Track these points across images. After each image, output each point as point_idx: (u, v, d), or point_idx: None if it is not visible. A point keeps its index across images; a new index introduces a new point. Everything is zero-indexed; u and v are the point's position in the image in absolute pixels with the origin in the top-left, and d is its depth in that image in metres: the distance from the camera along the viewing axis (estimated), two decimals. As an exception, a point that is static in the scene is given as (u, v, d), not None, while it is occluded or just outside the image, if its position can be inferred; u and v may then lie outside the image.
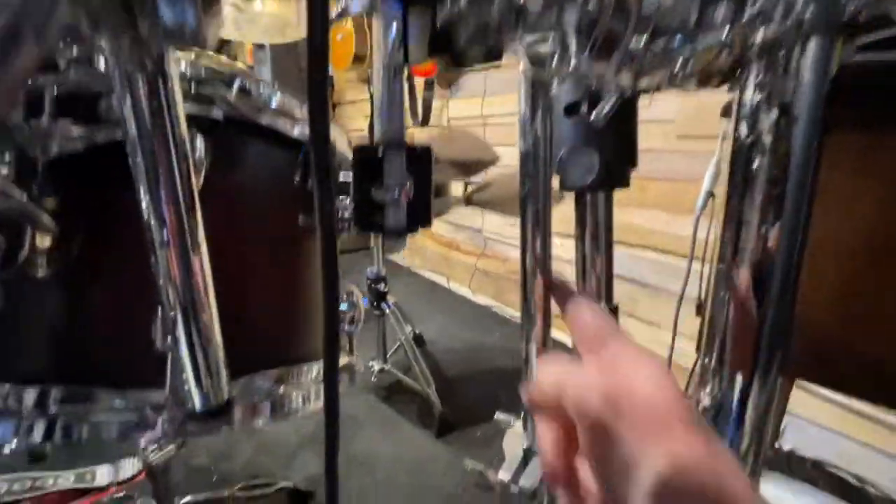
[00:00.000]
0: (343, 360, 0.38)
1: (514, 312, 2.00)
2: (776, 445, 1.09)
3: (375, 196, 0.25)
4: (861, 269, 0.44)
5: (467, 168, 0.79)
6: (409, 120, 2.56)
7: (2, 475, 0.95)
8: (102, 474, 1.02)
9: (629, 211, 1.51)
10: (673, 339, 0.87)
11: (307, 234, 0.33)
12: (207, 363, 0.22)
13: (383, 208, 0.25)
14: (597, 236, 0.36)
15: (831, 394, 1.10)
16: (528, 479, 0.28)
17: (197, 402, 0.22)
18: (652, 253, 1.45)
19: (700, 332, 0.32)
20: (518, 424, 0.33)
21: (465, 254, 2.34)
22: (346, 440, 1.16)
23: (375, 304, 1.32)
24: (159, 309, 0.23)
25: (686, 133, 1.31)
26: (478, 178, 1.04)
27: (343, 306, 0.47)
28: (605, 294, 0.36)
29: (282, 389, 0.27)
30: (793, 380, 0.83)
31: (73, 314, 0.24)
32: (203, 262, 0.24)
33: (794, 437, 1.18)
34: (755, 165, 0.25)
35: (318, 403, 0.30)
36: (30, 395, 0.21)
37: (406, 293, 2.15)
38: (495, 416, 0.33)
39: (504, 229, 2.06)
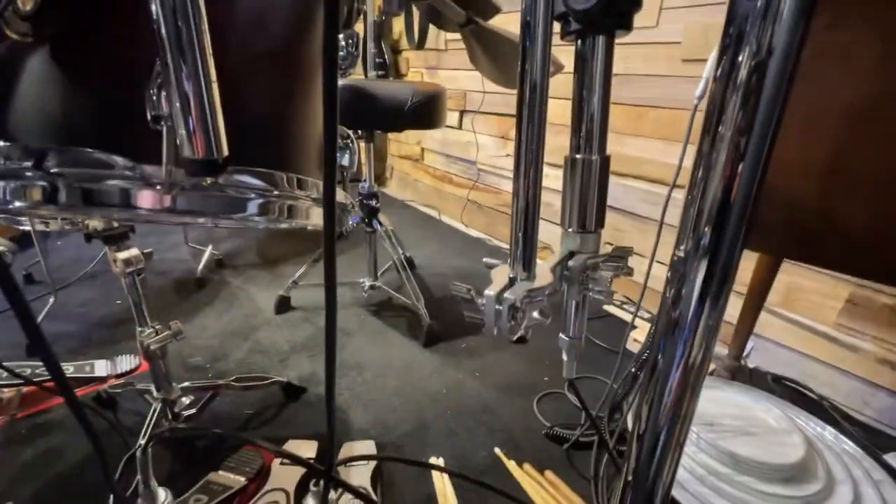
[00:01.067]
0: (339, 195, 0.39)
1: (503, 244, 2.03)
2: (741, 362, 1.17)
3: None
4: (843, 146, 0.46)
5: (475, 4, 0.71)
6: (405, 43, 2.44)
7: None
8: (101, 367, 1.06)
9: (623, 140, 1.49)
10: (650, 264, 0.89)
11: (309, 51, 0.32)
12: (203, 116, 0.22)
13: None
14: (593, 86, 0.36)
15: (796, 316, 1.16)
16: (513, 294, 0.30)
17: (193, 148, 0.22)
18: (643, 183, 1.45)
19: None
20: (505, 265, 0.35)
21: (458, 186, 2.32)
22: (336, 348, 1.21)
23: (367, 221, 1.33)
24: (155, 70, 0.23)
25: (692, 56, 1.27)
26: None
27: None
28: (598, 144, 0.37)
29: (275, 193, 0.28)
30: (779, 260, 0.86)
31: (68, 77, 0.23)
32: (202, 24, 0.22)
33: (760, 358, 1.26)
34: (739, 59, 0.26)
35: (309, 221, 0.30)
36: (28, 157, 0.21)
37: (399, 224, 2.16)
38: (483, 260, 0.35)
39: (497, 161, 2.04)
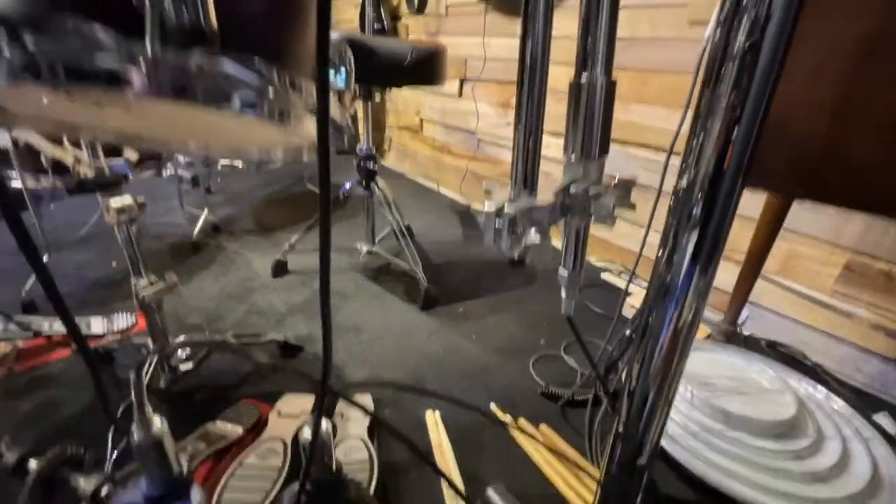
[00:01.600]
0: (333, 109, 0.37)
1: (502, 215, 2.01)
2: (737, 329, 1.17)
3: None
4: (850, 84, 0.45)
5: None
6: (404, 8, 2.37)
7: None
8: (97, 323, 1.06)
9: (627, 107, 1.47)
10: (647, 232, 0.88)
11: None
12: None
13: None
14: (601, 6, 0.34)
15: (793, 283, 1.17)
16: (512, 208, 0.29)
17: (179, 12, 0.21)
18: (646, 151, 1.43)
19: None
20: (505, 187, 0.34)
21: (457, 157, 2.29)
22: (334, 311, 1.21)
23: (364, 184, 1.31)
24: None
25: (699, 18, 1.24)
26: None
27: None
28: (603, 66, 0.35)
29: (267, 85, 0.26)
30: (789, 199, 0.85)
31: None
32: None
33: (755, 325, 1.27)
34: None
35: (299, 130, 0.29)
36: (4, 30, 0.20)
37: (397, 195, 2.13)
38: (483, 187, 0.34)
39: (497, 130, 2.00)
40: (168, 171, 1.74)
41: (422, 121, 2.53)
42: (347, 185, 1.33)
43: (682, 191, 0.31)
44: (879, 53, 0.41)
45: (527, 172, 0.34)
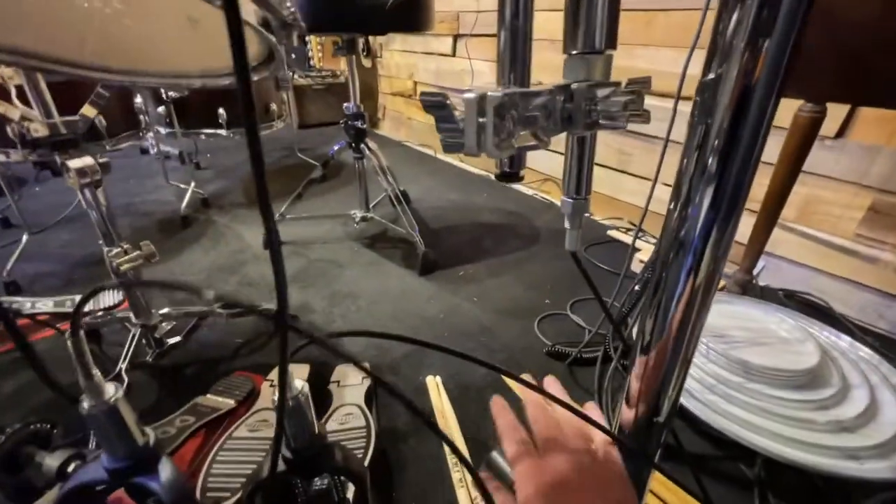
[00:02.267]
0: None
1: (502, 178, 1.93)
2: (752, 280, 1.12)
3: None
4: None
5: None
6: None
7: (-23, 298, 0.94)
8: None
9: (631, 51, 1.37)
10: (653, 185, 0.81)
11: None
12: None
13: None
14: None
15: (812, 230, 1.10)
16: (499, 94, 0.23)
17: None
18: (651, 98, 1.34)
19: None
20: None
21: (454, 121, 2.20)
22: (329, 280, 1.16)
23: (353, 145, 1.23)
24: None
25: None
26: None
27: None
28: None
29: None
30: (822, 108, 0.78)
31: None
32: None
33: (771, 276, 1.21)
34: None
35: None
36: None
37: (393, 162, 2.05)
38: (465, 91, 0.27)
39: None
40: (153, 148, 1.68)
41: (416, 84, 2.43)
42: (336, 148, 1.26)
43: (697, 138, 0.25)
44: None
45: (516, 61, 0.27)
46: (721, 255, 0.30)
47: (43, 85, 0.63)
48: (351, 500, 0.46)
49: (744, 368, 0.76)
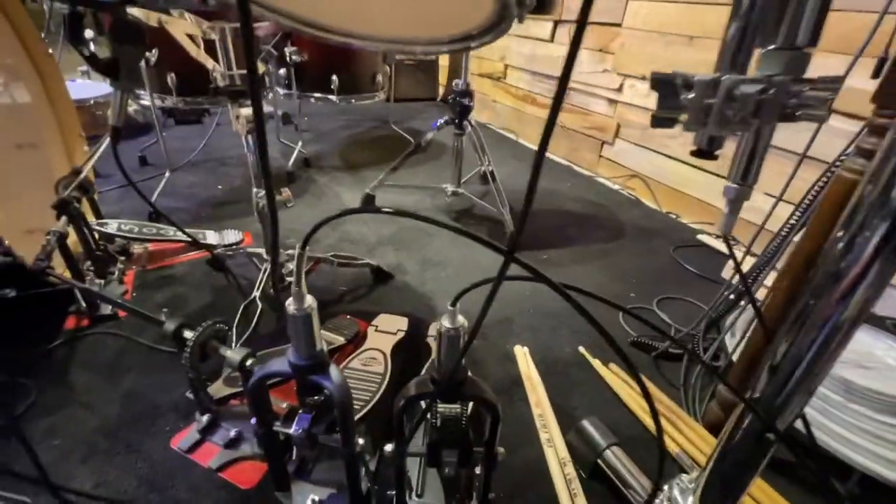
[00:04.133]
0: None
1: (587, 171, 1.92)
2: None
3: None
4: None
5: None
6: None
7: (133, 221, 1.10)
8: (211, 236, 1.16)
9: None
10: (777, 201, 0.79)
11: None
12: None
13: None
14: None
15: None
16: (729, 79, 0.26)
17: None
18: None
19: None
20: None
21: (541, 107, 2.19)
22: (420, 246, 1.23)
23: (457, 122, 1.29)
24: None
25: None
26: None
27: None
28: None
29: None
30: None
31: None
32: None
33: (887, 306, 1.14)
34: None
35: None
36: None
37: (475, 143, 2.11)
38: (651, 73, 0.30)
39: (591, 78, 1.87)
40: (269, 107, 1.83)
41: (506, 67, 2.43)
42: (439, 122, 1.31)
43: (883, 167, 0.27)
44: None
45: (741, 49, 0.30)
46: (880, 288, 0.32)
47: (230, 42, 0.73)
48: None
49: (846, 388, 0.74)
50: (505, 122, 2.52)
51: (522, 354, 0.86)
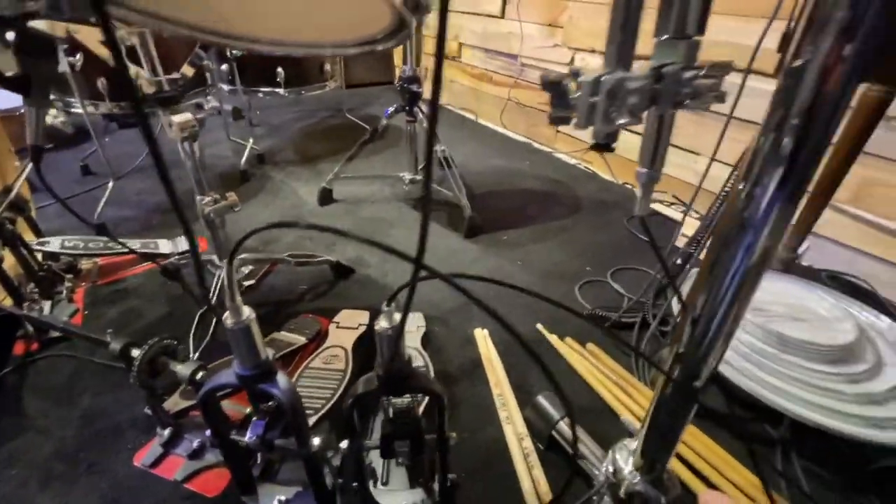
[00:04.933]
0: None
1: (547, 148, 1.94)
2: (796, 259, 1.13)
3: None
4: None
5: None
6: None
7: (77, 237, 1.06)
8: (164, 245, 1.13)
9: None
10: (710, 162, 0.82)
11: None
12: None
13: None
14: None
15: (864, 212, 1.09)
16: (612, 78, 0.28)
17: None
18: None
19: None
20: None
21: (498, 85, 2.18)
22: (379, 237, 1.24)
23: (407, 109, 1.27)
24: None
25: None
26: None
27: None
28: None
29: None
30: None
31: None
32: None
33: (815, 257, 1.21)
34: None
35: None
36: None
37: (433, 126, 2.09)
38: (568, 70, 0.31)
39: (543, 52, 1.87)
40: (207, 104, 1.76)
41: (461, 45, 2.40)
42: (390, 110, 1.30)
43: (774, 120, 0.29)
44: None
45: (624, 44, 0.31)
46: (780, 234, 0.34)
47: (152, 46, 0.70)
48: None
49: (779, 340, 0.80)
50: (463, 101, 2.50)
51: (482, 337, 0.89)
